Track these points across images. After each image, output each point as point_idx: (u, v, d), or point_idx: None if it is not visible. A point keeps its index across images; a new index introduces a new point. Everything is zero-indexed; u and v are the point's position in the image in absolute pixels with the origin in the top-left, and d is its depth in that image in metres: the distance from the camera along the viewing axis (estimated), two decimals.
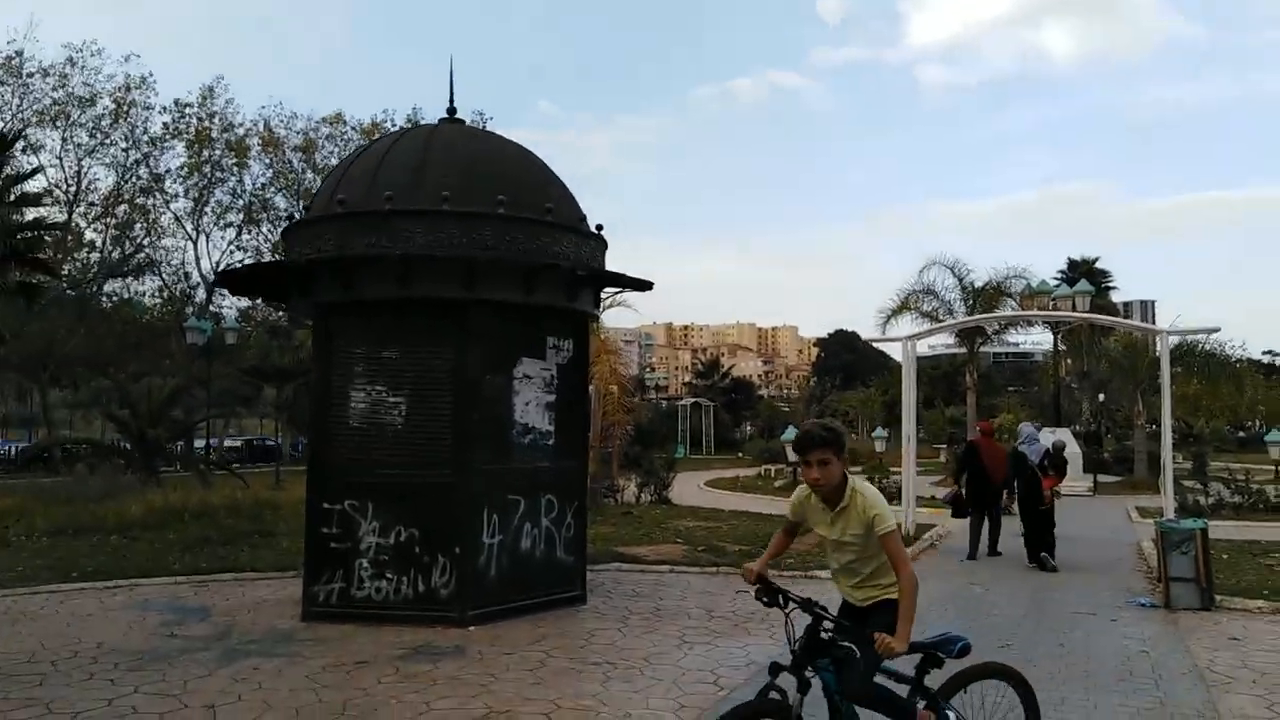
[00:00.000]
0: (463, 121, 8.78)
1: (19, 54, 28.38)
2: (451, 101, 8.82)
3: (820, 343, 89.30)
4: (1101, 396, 42.31)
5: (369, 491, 7.80)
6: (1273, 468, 26.12)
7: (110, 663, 6.43)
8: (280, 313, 34.07)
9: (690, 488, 23.37)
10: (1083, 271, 42.65)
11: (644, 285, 8.81)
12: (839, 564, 3.65)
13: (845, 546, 3.56)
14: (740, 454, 46.68)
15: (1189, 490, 18.89)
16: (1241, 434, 56.29)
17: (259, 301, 31.37)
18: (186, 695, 5.60)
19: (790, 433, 28.74)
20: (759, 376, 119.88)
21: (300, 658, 6.60)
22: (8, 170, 20.93)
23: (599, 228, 8.73)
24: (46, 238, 22.94)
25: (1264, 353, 72.15)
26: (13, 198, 20.45)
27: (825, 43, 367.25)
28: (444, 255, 7.50)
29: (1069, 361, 44.39)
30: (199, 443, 32.98)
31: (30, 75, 28.53)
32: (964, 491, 12.27)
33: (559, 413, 8.46)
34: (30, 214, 21.14)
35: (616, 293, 8.90)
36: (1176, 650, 7.11)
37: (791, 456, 27.41)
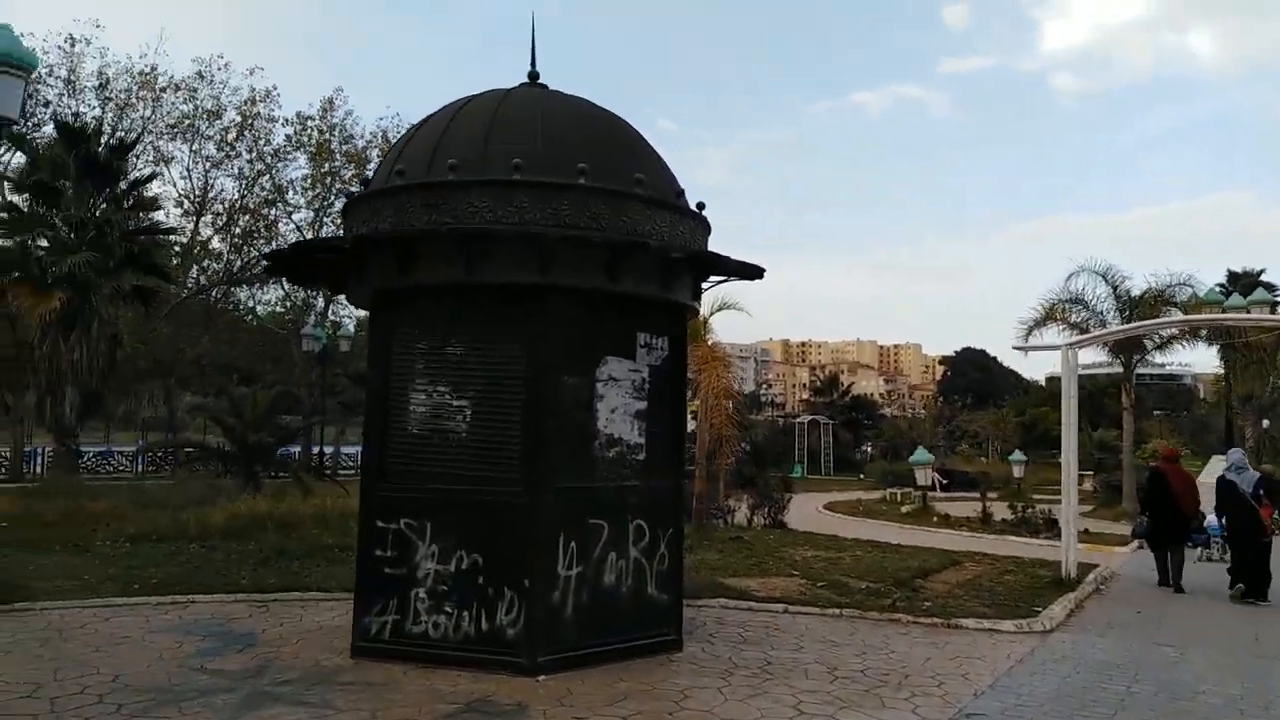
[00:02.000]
0: (545, 86, 7.63)
1: (152, 68, 29.42)
2: (533, 64, 7.69)
3: (946, 361, 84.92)
4: (1266, 422, 38.18)
5: (428, 509, 6.69)
6: None
7: (114, 703, 5.49)
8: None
9: (807, 511, 21.66)
10: (1247, 284, 38.47)
11: (754, 272, 7.42)
12: None
13: None
14: (861, 475, 44.28)
15: None
16: None
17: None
18: None
19: (920, 454, 26.53)
20: (880, 395, 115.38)
21: (330, 711, 5.49)
22: (130, 176, 21.30)
23: (700, 206, 7.41)
24: (162, 241, 23.31)
25: None
26: (130, 202, 20.79)
27: (951, 53, 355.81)
28: (509, 232, 6.32)
29: (1229, 384, 40.23)
30: (314, 449, 33.34)
31: (162, 89, 29.48)
32: (1149, 521, 10.95)
33: (651, 423, 7.15)
34: (147, 219, 21.46)
35: (720, 282, 7.47)
36: None
37: (921, 480, 25.26)
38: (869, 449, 60.43)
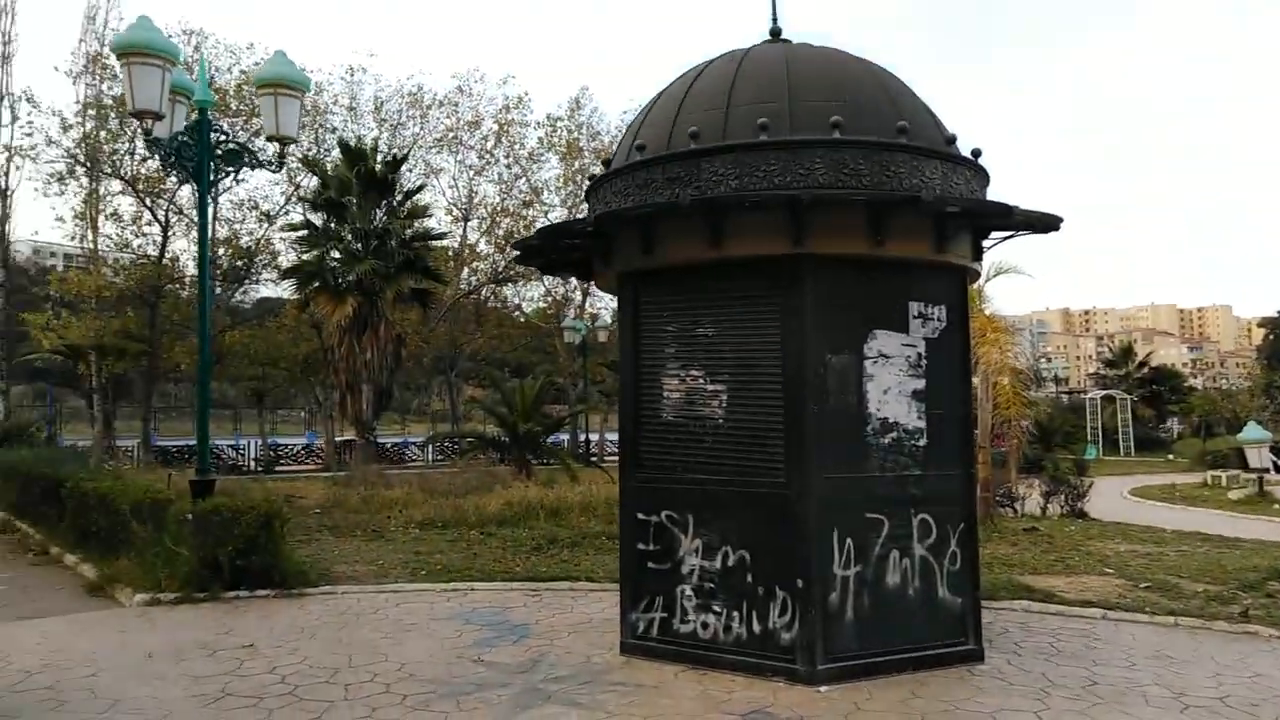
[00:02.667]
0: (788, 41, 6.96)
1: (419, 88, 31.87)
2: (774, 18, 7.06)
3: (1268, 323, 73.14)
4: None
5: (688, 501, 6.32)
6: None
7: (400, 694, 5.60)
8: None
9: (1109, 497, 19.26)
10: None
11: (1049, 223, 6.32)
12: None
13: None
14: (1170, 456, 39.22)
15: None
16: None
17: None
18: None
19: (1253, 431, 22.80)
20: (1185, 365, 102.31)
21: (603, 714, 5.26)
22: (404, 188, 23.06)
23: (976, 154, 6.43)
24: (435, 246, 25.05)
25: None
26: (405, 213, 22.51)
27: None
28: (756, 198, 5.75)
29: None
30: (581, 436, 34.76)
31: (428, 107, 31.85)
32: None
33: (931, 404, 6.32)
34: (419, 226, 23.14)
35: (1006, 238, 6.45)
36: None
37: (1255, 461, 21.68)
38: (1175, 426, 53.66)
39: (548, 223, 37.20)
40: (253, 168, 9.70)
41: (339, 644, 6.80)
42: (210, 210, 26.48)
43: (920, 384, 6.30)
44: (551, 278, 37.37)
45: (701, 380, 6.36)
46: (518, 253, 7.17)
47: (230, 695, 5.60)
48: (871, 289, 6.18)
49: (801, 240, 5.83)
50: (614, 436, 40.85)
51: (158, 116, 8.66)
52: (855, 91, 6.24)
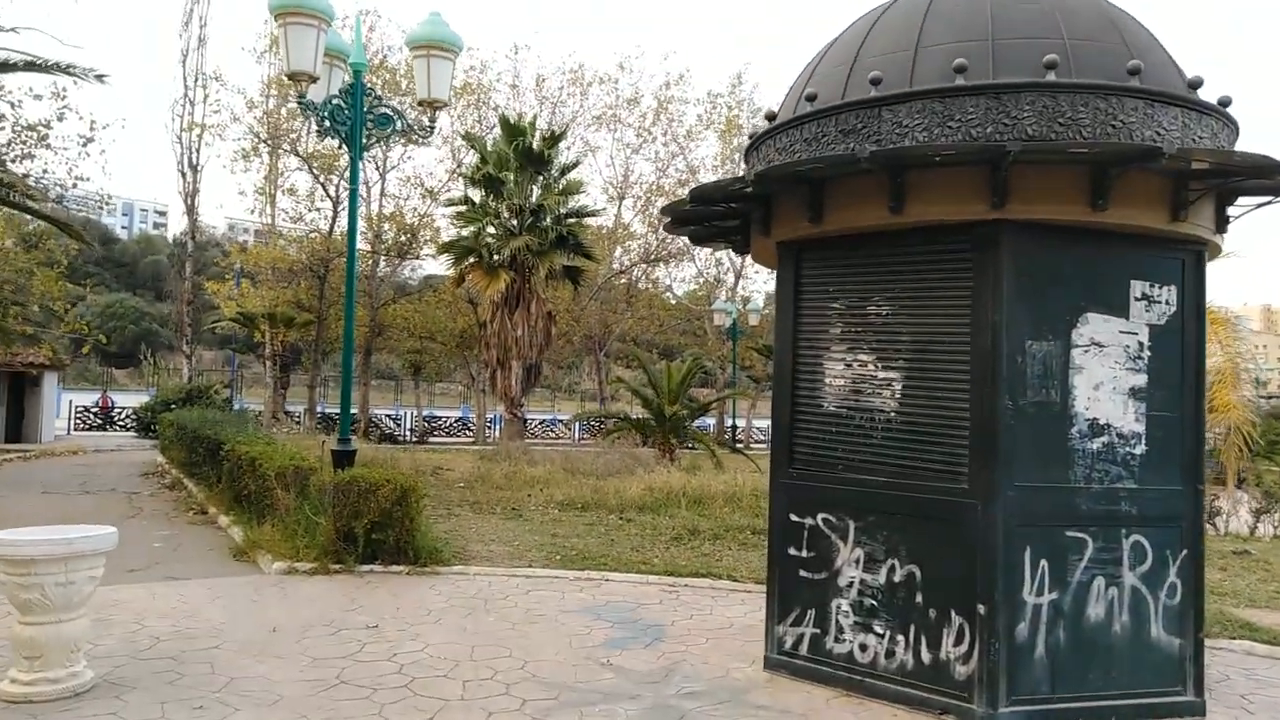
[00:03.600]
0: None
1: (580, 66, 31.86)
2: None
3: None
4: None
5: (850, 505, 5.52)
6: None
7: (519, 698, 5.11)
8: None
9: None
10: None
11: None
12: None
13: None
14: None
15: None
16: None
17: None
18: None
19: None
20: None
21: None
22: (560, 164, 22.90)
23: (1224, 103, 5.25)
24: (588, 224, 24.85)
25: None
26: (560, 189, 22.34)
27: None
28: (951, 150, 4.83)
29: None
30: (728, 422, 34.01)
31: (588, 84, 31.75)
32: None
33: (1153, 405, 5.24)
34: (573, 203, 22.95)
35: (1264, 204, 5.23)
36: None
37: None
38: None
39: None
40: (405, 133, 9.50)
41: (463, 632, 6.42)
42: (362, 178, 27.71)
43: (1140, 379, 5.22)
44: (704, 257, 36.74)
45: (871, 366, 5.52)
46: (668, 219, 6.50)
47: (344, 683, 5.26)
48: (1085, 264, 5.15)
49: (1002, 203, 4.88)
50: (762, 424, 39.93)
51: (312, 78, 8.54)
52: (1073, 25, 5.19)
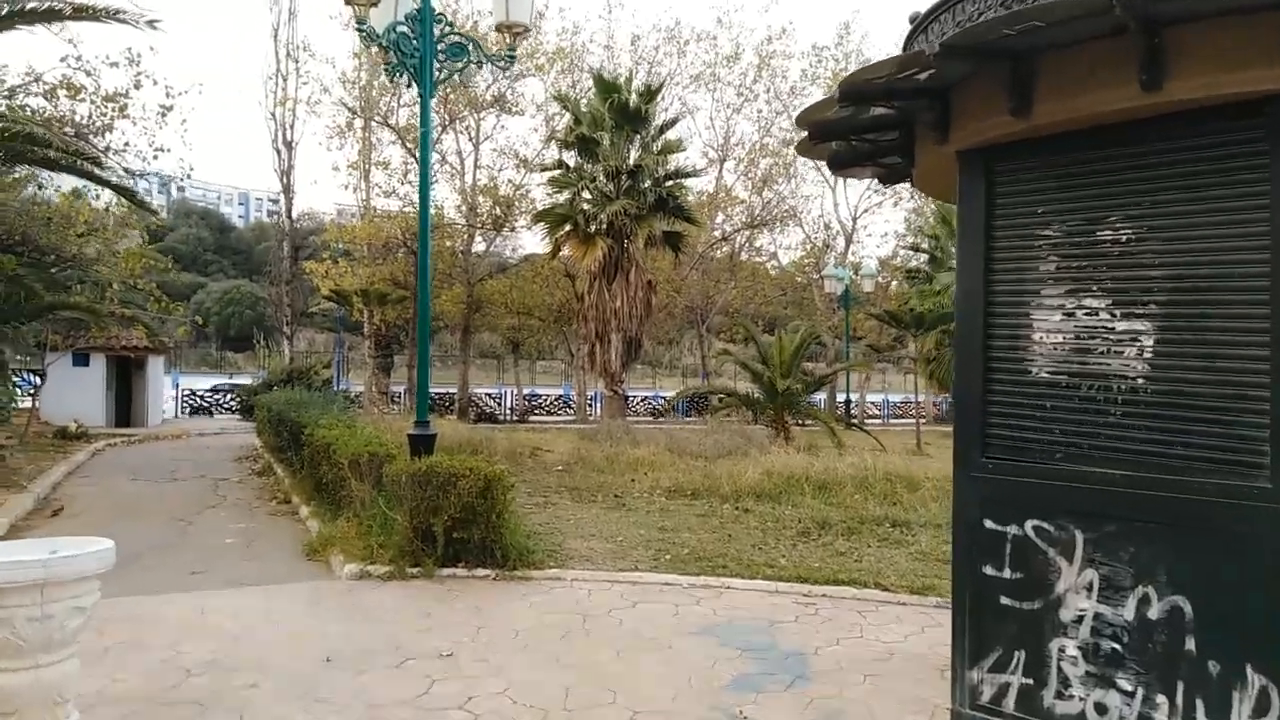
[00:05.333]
0: None
1: (676, 22, 30.26)
2: None
3: None
4: None
5: (1076, 509, 3.96)
6: None
7: None
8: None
9: None
10: None
11: None
12: None
13: None
14: None
15: None
16: None
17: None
18: None
19: None
20: None
21: None
22: (657, 122, 21.45)
23: None
24: (689, 186, 23.37)
25: None
26: (658, 148, 20.88)
27: None
28: None
29: None
30: (840, 397, 32.11)
31: (685, 42, 30.09)
32: None
33: None
34: (672, 163, 21.47)
35: None
36: None
37: None
38: None
39: (810, 160, 34.29)
40: (480, 64, 8.26)
41: (556, 664, 5.15)
42: (454, 148, 26.87)
43: None
44: (812, 219, 34.71)
45: (1105, 314, 3.93)
46: (805, 132, 4.98)
47: None
48: None
49: None
50: (875, 398, 37.76)
51: (372, 1, 7.37)
52: None
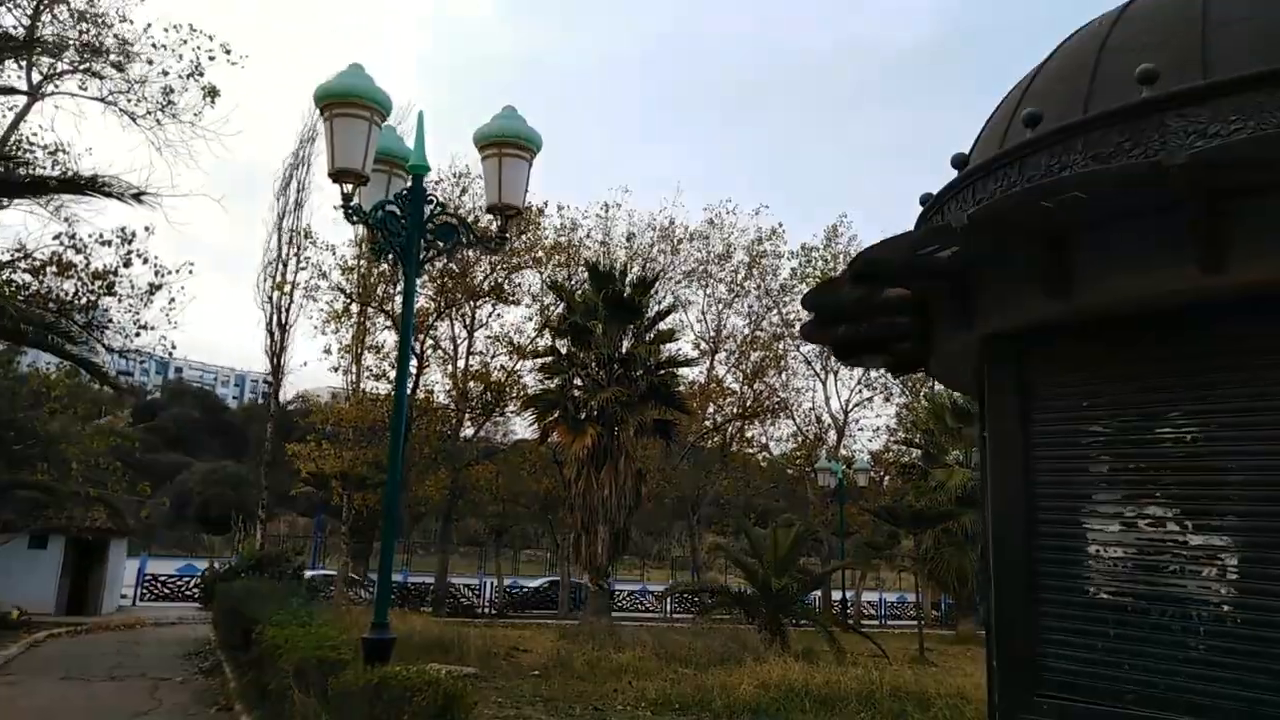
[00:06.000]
0: None
1: (670, 221, 31.18)
2: None
3: None
4: None
5: None
6: None
7: None
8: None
9: None
10: None
11: None
12: None
13: None
14: None
15: None
16: None
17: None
18: None
19: None
20: None
21: None
22: (650, 313, 21.56)
23: None
24: (681, 375, 23.21)
25: None
26: (651, 337, 20.85)
27: None
28: None
29: None
30: (835, 594, 30.71)
31: (679, 240, 30.98)
32: None
33: None
34: (665, 352, 21.39)
35: None
36: None
37: None
38: None
39: (800, 355, 34.63)
40: (470, 245, 8.02)
41: None
42: (449, 334, 26.93)
43: None
44: (803, 412, 34.53)
45: (1173, 523, 3.35)
46: (810, 313, 4.57)
47: None
48: None
49: None
50: (871, 596, 36.20)
51: (361, 179, 7.19)
52: None
